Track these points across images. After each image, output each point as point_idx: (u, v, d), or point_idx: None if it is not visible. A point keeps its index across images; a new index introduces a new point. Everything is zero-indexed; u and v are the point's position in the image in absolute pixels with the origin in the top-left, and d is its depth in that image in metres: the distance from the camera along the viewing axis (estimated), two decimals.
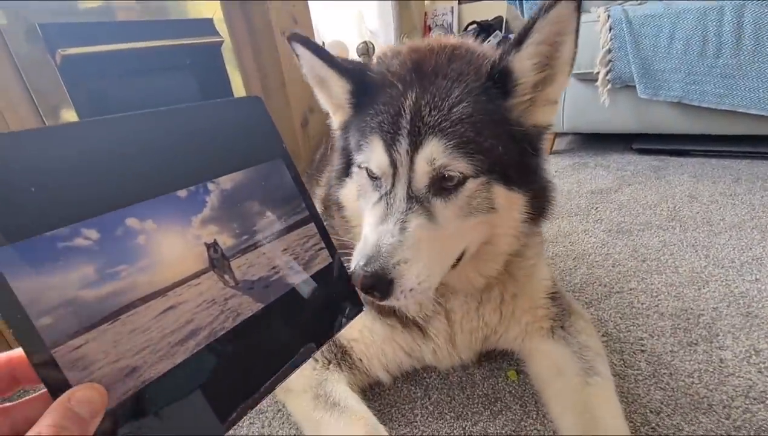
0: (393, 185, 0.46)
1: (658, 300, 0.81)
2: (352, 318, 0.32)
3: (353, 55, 2.23)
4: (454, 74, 0.47)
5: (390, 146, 0.46)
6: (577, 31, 0.45)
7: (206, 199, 0.26)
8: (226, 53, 1.31)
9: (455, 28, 2.57)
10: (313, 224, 0.32)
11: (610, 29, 1.39)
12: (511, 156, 0.47)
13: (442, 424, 0.61)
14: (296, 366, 0.27)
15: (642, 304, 0.81)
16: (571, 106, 1.60)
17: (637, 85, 1.40)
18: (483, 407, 0.63)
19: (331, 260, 0.32)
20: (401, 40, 2.12)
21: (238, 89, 1.38)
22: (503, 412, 0.62)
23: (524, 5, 1.52)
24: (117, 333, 0.20)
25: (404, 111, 0.46)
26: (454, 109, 0.45)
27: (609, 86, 1.44)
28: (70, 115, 0.97)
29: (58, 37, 0.93)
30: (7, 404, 0.20)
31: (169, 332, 0.22)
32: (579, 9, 0.43)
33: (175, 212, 0.24)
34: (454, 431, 0.60)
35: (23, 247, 0.19)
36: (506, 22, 2.33)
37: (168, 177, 0.24)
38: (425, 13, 2.62)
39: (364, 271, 0.40)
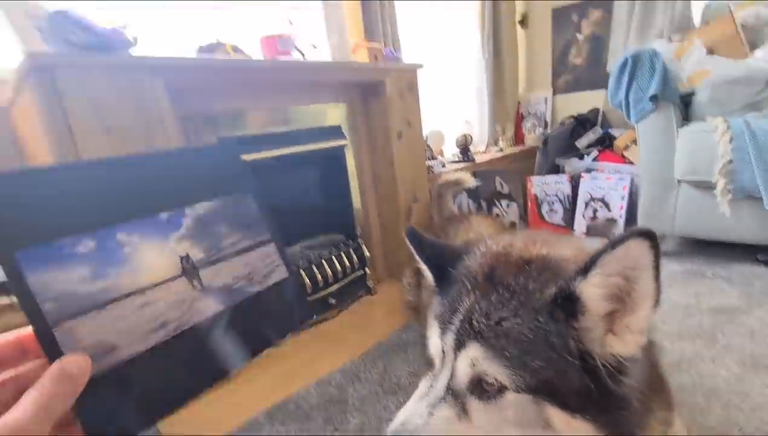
0: (440, 370, 0.50)
1: None
2: (298, 324, 0.39)
3: (451, 144, 2.38)
4: (518, 288, 0.47)
5: (442, 336, 0.50)
6: (656, 267, 0.42)
7: (182, 221, 0.32)
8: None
9: (549, 118, 2.64)
10: (273, 244, 0.39)
11: (731, 140, 1.36)
12: (570, 381, 0.45)
13: None
14: (238, 367, 0.34)
15: None
16: (684, 210, 1.53)
17: (763, 198, 1.32)
18: None
19: (287, 276, 0.38)
20: (495, 129, 2.23)
21: (351, 176, 1.55)
22: None
23: (631, 111, 1.54)
24: (103, 319, 0.27)
25: (461, 310, 0.49)
26: (506, 322, 0.46)
27: (730, 197, 1.37)
28: None
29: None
30: (14, 372, 0.27)
31: (144, 322, 0.29)
32: (656, 247, 0.41)
33: (157, 230, 0.31)
34: None
35: (37, 250, 0.25)
36: (603, 114, 2.36)
37: (154, 203, 0.32)
38: (518, 103, 2.74)
39: None
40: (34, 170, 0.29)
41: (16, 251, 0.24)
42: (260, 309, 0.36)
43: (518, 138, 2.72)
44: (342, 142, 1.45)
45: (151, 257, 0.30)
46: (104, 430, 0.26)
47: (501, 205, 2.13)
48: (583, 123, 2.27)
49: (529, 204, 2.22)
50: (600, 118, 2.35)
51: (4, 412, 0.22)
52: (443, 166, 1.92)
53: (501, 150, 2.40)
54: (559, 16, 2.50)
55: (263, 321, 0.36)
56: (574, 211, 2.11)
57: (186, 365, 0.31)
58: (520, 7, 2.61)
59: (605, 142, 2.16)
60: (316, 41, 1.73)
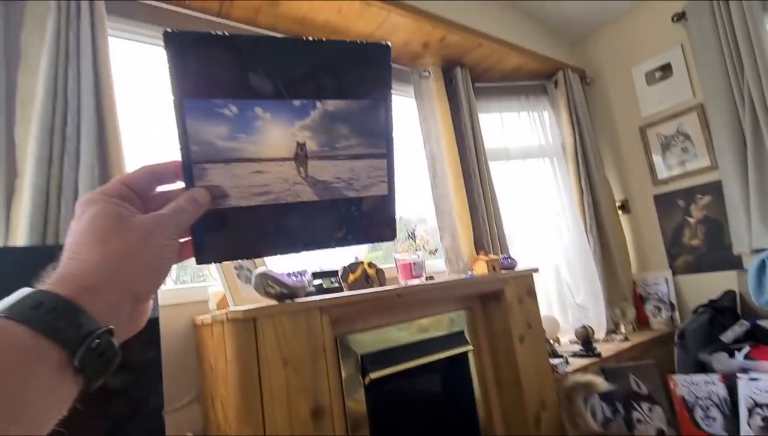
0: None
1: None
2: (370, 242, 0.40)
3: (567, 333, 2.29)
4: None
5: None
6: None
7: (311, 112, 0.33)
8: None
9: (674, 300, 2.45)
10: (385, 161, 0.37)
11: None
12: None
13: None
14: (311, 248, 0.37)
15: None
16: None
17: None
18: None
19: (386, 193, 0.37)
20: (614, 313, 2.10)
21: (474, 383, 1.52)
22: None
23: None
24: (225, 171, 0.32)
25: None
26: None
27: None
28: None
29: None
30: (165, 188, 0.34)
31: (253, 185, 0.33)
32: None
33: (287, 113, 0.33)
34: None
35: (196, 103, 0.30)
36: (741, 301, 2.13)
37: (292, 90, 0.33)
38: (633, 283, 2.62)
39: None
40: (217, 36, 0.31)
41: (185, 99, 0.31)
42: (347, 213, 0.37)
43: (641, 321, 2.52)
44: (466, 349, 1.49)
45: (275, 135, 0.33)
46: (201, 247, 0.33)
47: (641, 409, 1.86)
48: (721, 311, 2.05)
49: (677, 407, 1.90)
50: (739, 305, 2.11)
51: (155, 210, 0.31)
52: (567, 362, 1.81)
53: (626, 338, 2.21)
54: (663, 201, 2.54)
55: (346, 224, 0.37)
56: (737, 418, 1.75)
57: (269, 229, 0.35)
58: (618, 194, 2.73)
59: (755, 336, 1.89)
60: (430, 242, 1.96)
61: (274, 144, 0.33)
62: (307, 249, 0.37)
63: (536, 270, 1.67)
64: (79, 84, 1.21)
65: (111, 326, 0.27)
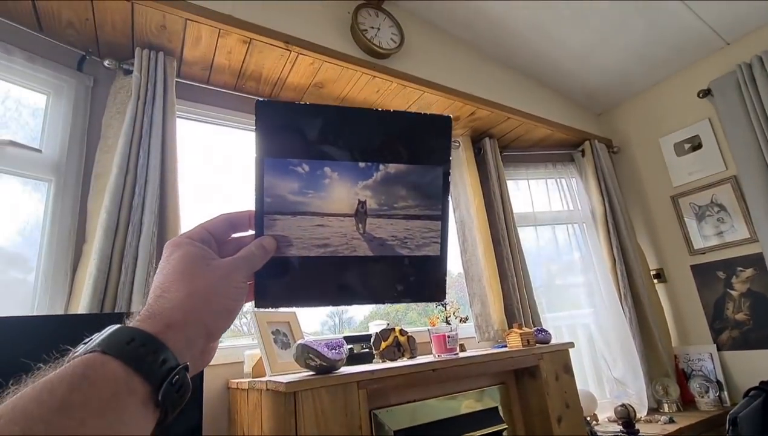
0: None
1: None
2: (422, 301, 0.39)
3: (604, 409, 2.16)
4: None
5: None
6: None
7: (374, 173, 0.36)
8: None
9: (721, 378, 2.29)
10: (440, 222, 0.38)
11: None
12: None
13: None
14: (361, 302, 0.40)
15: None
16: None
17: None
18: None
19: (438, 254, 0.39)
20: (656, 389, 1.97)
21: None
22: None
23: None
24: (291, 222, 0.35)
25: None
26: None
27: None
28: None
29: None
30: (238, 235, 0.38)
31: (314, 238, 0.36)
32: None
33: (352, 174, 0.36)
34: None
35: (275, 161, 0.34)
36: None
37: (361, 153, 0.36)
38: (675, 356, 2.49)
39: None
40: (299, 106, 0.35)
41: (266, 158, 0.34)
42: (400, 271, 0.38)
43: (685, 400, 2.35)
44: (501, 428, 1.44)
45: (339, 192, 0.36)
46: (263, 291, 0.36)
47: None
48: None
49: None
50: None
51: (230, 254, 0.34)
52: None
53: (671, 419, 2.07)
54: (701, 272, 2.47)
55: (399, 282, 0.38)
56: None
57: (326, 280, 0.37)
58: (653, 263, 2.67)
59: None
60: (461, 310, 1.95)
61: (338, 201, 0.36)
62: (358, 303, 0.39)
63: (572, 345, 1.62)
64: (148, 161, 1.36)
65: (187, 363, 0.29)
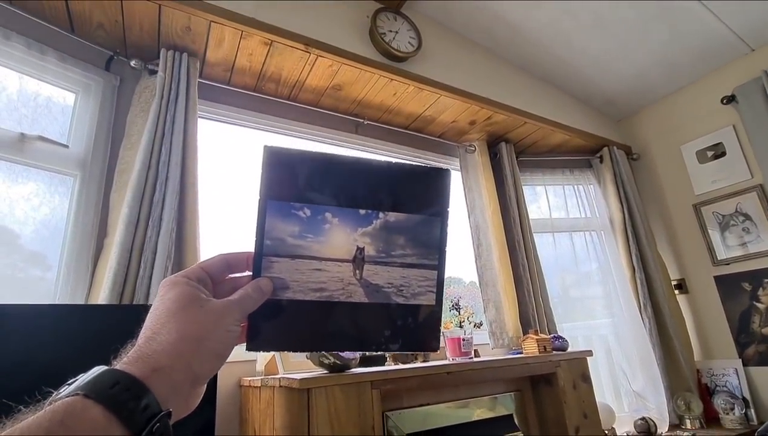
0: None
1: None
2: (413, 351, 0.41)
3: (623, 424, 2.10)
4: None
5: None
6: None
7: (374, 221, 0.37)
8: None
9: (747, 395, 2.20)
10: (436, 272, 0.39)
11: None
12: None
13: None
14: (353, 350, 0.39)
15: None
16: None
17: None
18: None
19: (433, 304, 0.38)
20: (678, 404, 1.90)
21: None
22: None
23: None
24: (289, 265, 0.36)
25: None
26: None
27: None
28: None
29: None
30: (235, 275, 0.38)
31: (311, 281, 0.36)
32: None
33: (352, 221, 0.36)
34: None
35: (277, 204, 0.35)
36: None
37: (360, 200, 0.37)
38: (697, 371, 2.40)
39: None
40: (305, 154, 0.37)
41: (269, 200, 0.35)
42: (394, 318, 0.38)
43: (708, 416, 2.26)
44: (516, 435, 1.40)
45: (338, 238, 0.36)
46: (255, 333, 0.35)
47: None
48: None
49: None
50: None
51: (225, 294, 0.35)
52: None
53: None
54: (726, 283, 2.39)
55: (392, 329, 0.38)
56: None
57: (320, 325, 0.37)
58: (674, 273, 2.60)
59: None
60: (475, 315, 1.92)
61: (337, 246, 0.36)
62: (350, 349, 0.38)
63: (590, 353, 1.58)
64: (170, 158, 1.39)
65: (170, 409, 0.28)
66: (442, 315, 0.40)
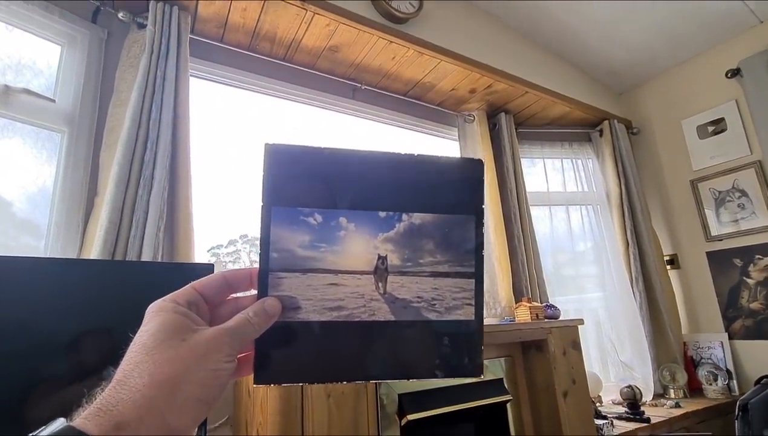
0: None
1: None
2: (458, 377, 0.33)
3: (609, 392, 2.15)
4: None
5: None
6: None
7: (396, 224, 0.32)
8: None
9: (731, 367, 2.26)
10: (473, 281, 0.33)
11: None
12: None
13: None
14: (379, 379, 0.33)
15: None
16: None
17: None
18: None
19: (473, 318, 0.33)
20: (663, 374, 1.95)
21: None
22: None
23: None
24: (300, 281, 0.31)
25: None
26: None
27: None
28: None
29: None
30: (238, 295, 0.33)
31: (326, 299, 0.31)
32: None
33: (371, 225, 0.32)
34: None
35: (283, 211, 0.30)
36: None
37: (379, 201, 0.32)
38: (684, 343, 2.45)
39: None
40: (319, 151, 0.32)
41: (274, 206, 0.31)
42: (427, 339, 0.32)
43: (692, 387, 2.33)
44: (504, 399, 1.43)
45: (356, 246, 0.31)
46: (264, 363, 0.30)
47: None
48: None
49: None
50: None
51: (225, 318, 0.30)
52: (612, 425, 1.69)
53: (677, 404, 2.05)
54: (717, 259, 2.41)
55: (424, 352, 0.32)
56: None
57: (340, 351, 0.31)
58: (667, 248, 2.62)
59: None
60: None
61: (355, 256, 0.31)
62: (382, 379, 0.33)
63: (581, 322, 1.60)
64: (161, 116, 1.35)
65: None
66: (482, 333, 0.33)
